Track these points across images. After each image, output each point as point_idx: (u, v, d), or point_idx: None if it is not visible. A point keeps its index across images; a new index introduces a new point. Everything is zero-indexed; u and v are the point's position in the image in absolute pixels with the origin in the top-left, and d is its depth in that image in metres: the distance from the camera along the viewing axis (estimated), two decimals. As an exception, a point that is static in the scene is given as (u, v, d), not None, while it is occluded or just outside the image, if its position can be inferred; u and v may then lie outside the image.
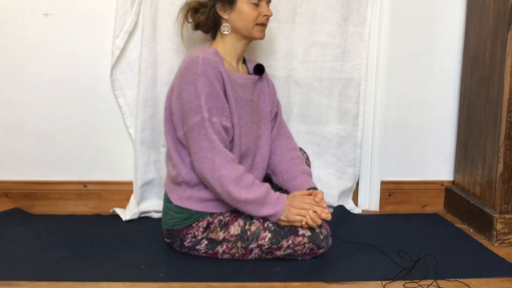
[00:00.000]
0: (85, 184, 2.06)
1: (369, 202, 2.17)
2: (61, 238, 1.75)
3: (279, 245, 1.56)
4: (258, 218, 1.57)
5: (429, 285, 1.44)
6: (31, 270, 1.51)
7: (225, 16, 1.63)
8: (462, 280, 1.49)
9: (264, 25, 1.65)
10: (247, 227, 1.57)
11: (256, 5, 1.61)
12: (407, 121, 2.17)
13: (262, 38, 1.67)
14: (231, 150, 1.58)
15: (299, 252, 1.58)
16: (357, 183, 2.17)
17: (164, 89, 1.85)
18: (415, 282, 1.46)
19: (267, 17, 1.64)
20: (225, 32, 1.64)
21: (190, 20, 1.71)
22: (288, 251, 1.58)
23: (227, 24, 1.63)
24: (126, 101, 2.00)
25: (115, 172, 2.07)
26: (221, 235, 1.58)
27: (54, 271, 1.50)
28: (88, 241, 1.74)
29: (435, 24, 2.12)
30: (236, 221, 1.58)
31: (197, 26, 1.70)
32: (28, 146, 2.02)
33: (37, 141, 2.02)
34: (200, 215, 1.60)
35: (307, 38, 2.00)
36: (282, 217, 1.54)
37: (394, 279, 1.48)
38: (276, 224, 1.56)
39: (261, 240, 1.56)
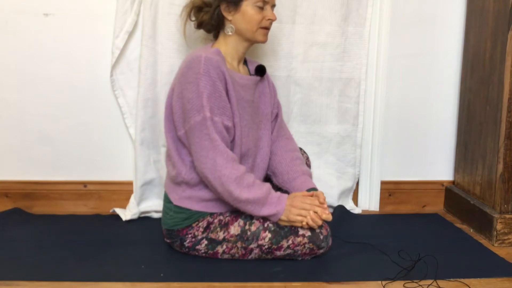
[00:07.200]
0: (85, 184, 2.06)
1: (369, 202, 2.17)
2: (61, 238, 1.75)
3: (279, 245, 1.56)
4: (258, 218, 1.57)
5: (429, 285, 1.44)
6: (31, 270, 1.50)
7: (229, 17, 1.62)
8: (462, 280, 1.49)
9: (267, 28, 1.65)
10: (247, 227, 1.57)
11: (261, 8, 1.61)
12: (407, 121, 2.17)
13: (264, 41, 1.67)
14: (232, 150, 1.58)
15: (299, 252, 1.58)
16: (357, 183, 2.17)
17: (164, 89, 1.85)
18: (415, 282, 1.46)
19: (271, 21, 1.65)
20: (229, 33, 1.64)
21: (193, 18, 1.71)
22: (288, 251, 1.57)
23: (231, 25, 1.63)
24: (126, 101, 2.00)
25: (115, 172, 2.07)
26: (221, 235, 1.58)
27: (54, 271, 1.50)
28: (88, 241, 1.74)
29: (435, 24, 2.12)
30: (236, 221, 1.58)
31: (199, 25, 1.70)
32: (28, 146, 2.02)
33: (37, 141, 2.02)
34: (200, 215, 1.60)
35: (307, 38, 2.00)
36: (283, 217, 1.54)
37: (394, 279, 1.48)
38: (276, 224, 1.56)
39: (261, 240, 1.56)
